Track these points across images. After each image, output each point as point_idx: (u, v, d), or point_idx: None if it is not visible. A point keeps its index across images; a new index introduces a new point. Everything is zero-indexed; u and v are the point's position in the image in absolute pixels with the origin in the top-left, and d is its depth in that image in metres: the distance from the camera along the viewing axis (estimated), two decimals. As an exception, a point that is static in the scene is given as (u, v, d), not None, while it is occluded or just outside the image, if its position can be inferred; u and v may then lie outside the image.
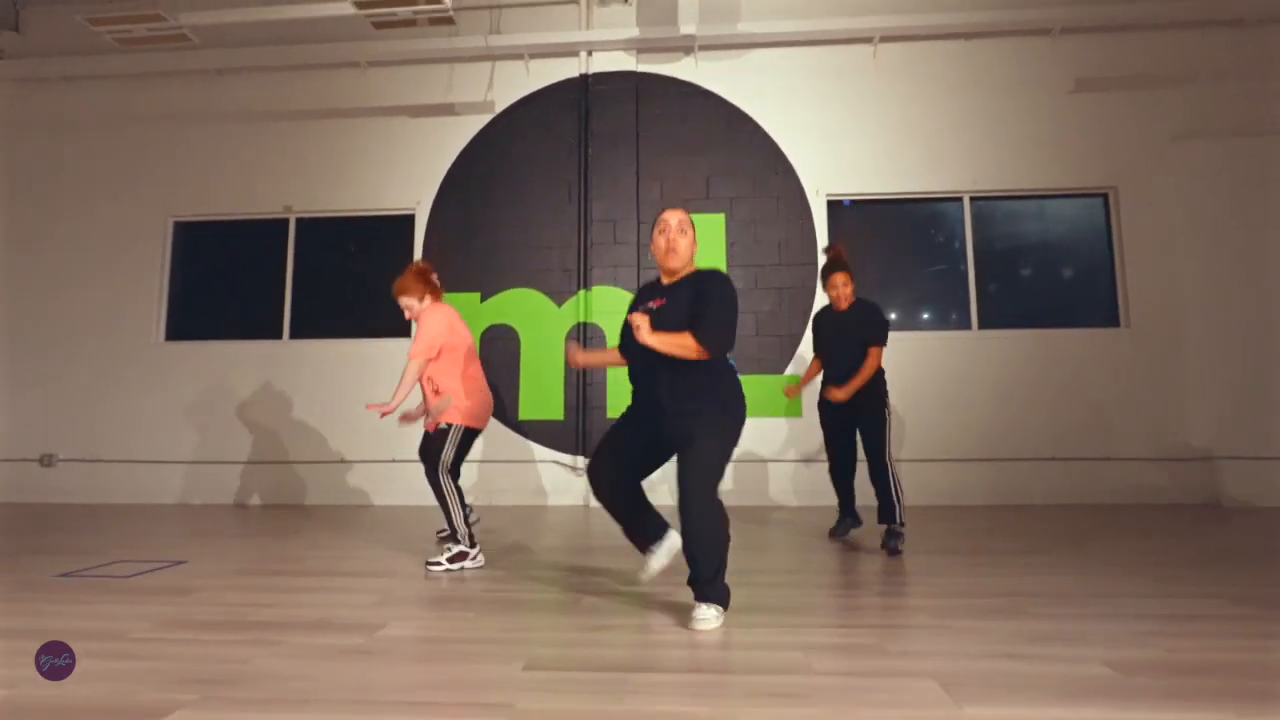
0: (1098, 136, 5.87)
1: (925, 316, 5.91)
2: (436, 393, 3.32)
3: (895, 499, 3.46)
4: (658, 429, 2.40)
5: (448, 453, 3.26)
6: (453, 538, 3.20)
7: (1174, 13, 5.76)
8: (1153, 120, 5.84)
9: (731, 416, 2.35)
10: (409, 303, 3.40)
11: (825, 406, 3.80)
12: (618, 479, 2.41)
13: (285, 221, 6.25)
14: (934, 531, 4.11)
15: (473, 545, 3.19)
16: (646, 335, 2.24)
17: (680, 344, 2.27)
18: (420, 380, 3.32)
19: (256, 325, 6.17)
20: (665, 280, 2.51)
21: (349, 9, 4.65)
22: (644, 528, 2.46)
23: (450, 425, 3.26)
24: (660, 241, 2.44)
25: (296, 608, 2.43)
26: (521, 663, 1.83)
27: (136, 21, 4.67)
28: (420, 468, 5.49)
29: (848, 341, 3.67)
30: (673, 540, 2.42)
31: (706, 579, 2.22)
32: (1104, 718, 1.46)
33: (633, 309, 2.53)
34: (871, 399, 3.61)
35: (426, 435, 3.35)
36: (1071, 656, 1.83)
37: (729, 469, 5.60)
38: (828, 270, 3.75)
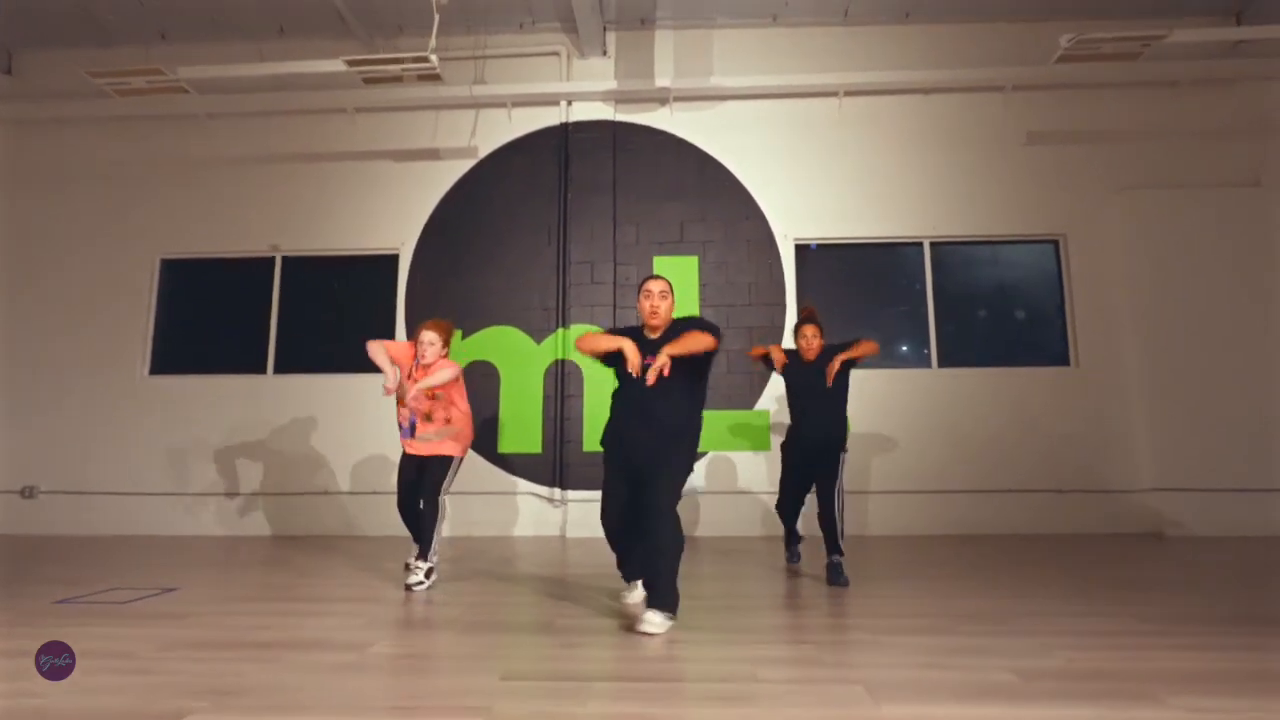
0: (1049, 187, 6.27)
1: (888, 356, 6.23)
2: (447, 421, 3.69)
3: (841, 531, 3.69)
4: (634, 461, 2.84)
5: (449, 482, 3.70)
6: (425, 556, 3.52)
7: (1115, 75, 6.22)
8: (1100, 172, 6.25)
9: (695, 444, 2.94)
10: (434, 340, 3.67)
11: (794, 448, 3.97)
12: (618, 524, 2.91)
13: (272, 260, 6.47)
14: (885, 559, 4.37)
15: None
16: (670, 350, 2.67)
17: (696, 341, 2.73)
18: (428, 397, 3.62)
19: (242, 360, 6.34)
20: (650, 335, 2.98)
21: (340, 66, 4.94)
22: (634, 562, 3.02)
23: (454, 457, 3.71)
24: (645, 305, 2.97)
25: (290, 629, 2.61)
26: (498, 674, 2.03)
27: (136, 75, 4.92)
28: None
29: (818, 386, 3.84)
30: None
31: (666, 586, 2.59)
32: (1001, 714, 1.70)
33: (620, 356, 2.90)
34: (836, 445, 3.80)
35: (420, 464, 3.67)
36: (983, 665, 2.09)
37: (702, 501, 5.83)
38: (801, 324, 4.00)
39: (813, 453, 3.84)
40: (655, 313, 2.94)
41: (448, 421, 3.68)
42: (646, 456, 2.79)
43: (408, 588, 3.40)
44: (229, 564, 4.32)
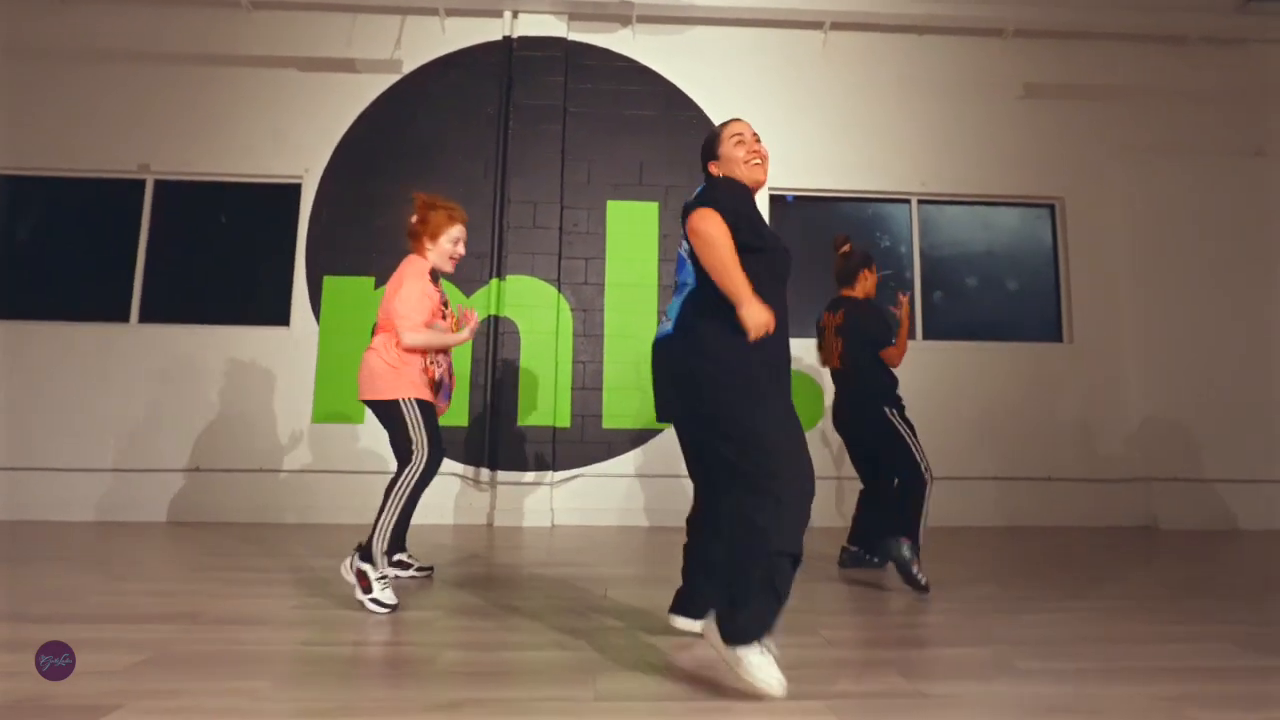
0: (1046, 145, 5.66)
1: (869, 324, 5.52)
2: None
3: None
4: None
5: None
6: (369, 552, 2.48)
7: (1122, 24, 5.64)
8: (1100, 131, 5.69)
9: None
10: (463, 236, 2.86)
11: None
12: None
13: (141, 183, 5.27)
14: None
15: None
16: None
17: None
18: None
19: (98, 306, 5.14)
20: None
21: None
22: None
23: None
24: (740, 152, 2.04)
25: (11, 677, 1.65)
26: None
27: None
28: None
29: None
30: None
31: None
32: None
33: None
34: None
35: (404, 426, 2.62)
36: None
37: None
38: (866, 263, 3.38)
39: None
40: (758, 159, 2.05)
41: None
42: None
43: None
44: (37, 559, 3.26)
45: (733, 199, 1.87)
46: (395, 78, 5.39)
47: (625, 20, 5.46)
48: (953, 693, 1.70)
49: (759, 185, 2.05)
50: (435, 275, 2.76)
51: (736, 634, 1.62)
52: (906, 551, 2.75)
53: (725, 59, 5.55)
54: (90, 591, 2.61)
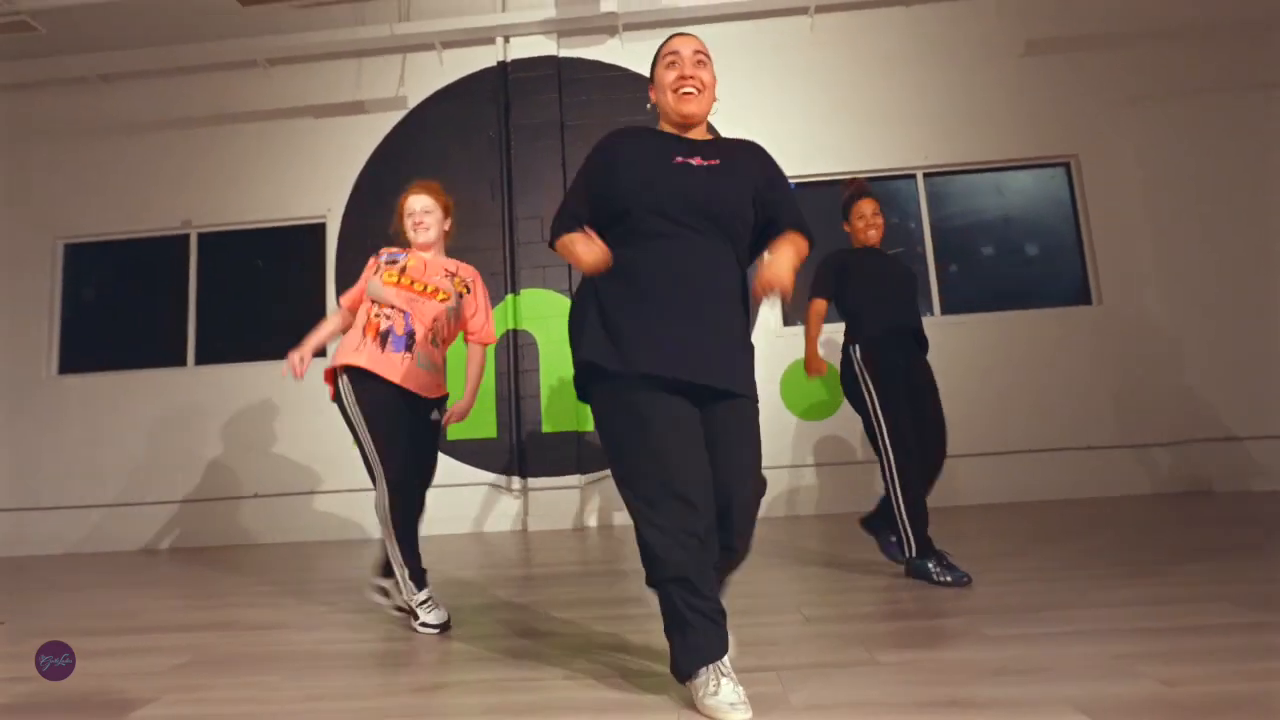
0: (1054, 103, 5.52)
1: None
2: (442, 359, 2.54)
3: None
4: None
5: None
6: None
7: (1123, -32, 5.46)
8: (1110, 83, 5.51)
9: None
10: (430, 208, 2.58)
11: (898, 356, 2.78)
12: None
13: (186, 237, 5.75)
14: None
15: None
16: (784, 270, 1.52)
17: (799, 251, 1.64)
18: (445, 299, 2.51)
19: (158, 352, 5.63)
20: (683, 134, 1.74)
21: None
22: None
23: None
24: (669, 76, 1.70)
25: (78, 677, 1.94)
26: None
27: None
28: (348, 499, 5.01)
29: (897, 278, 2.89)
30: None
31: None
32: None
33: (627, 152, 1.68)
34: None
35: (414, 409, 2.41)
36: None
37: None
38: (856, 199, 2.96)
39: (915, 355, 2.82)
40: (688, 87, 1.67)
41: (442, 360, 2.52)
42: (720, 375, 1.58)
43: (434, 626, 2.28)
44: (103, 584, 3.65)
45: (576, 177, 1.76)
46: (402, 113, 5.70)
47: (612, 30, 5.62)
48: (907, 660, 1.77)
49: (688, 120, 1.71)
50: (395, 258, 2.52)
51: (675, 670, 1.51)
52: (906, 556, 2.62)
53: (713, 55, 5.60)
54: (151, 610, 2.94)
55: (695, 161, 1.67)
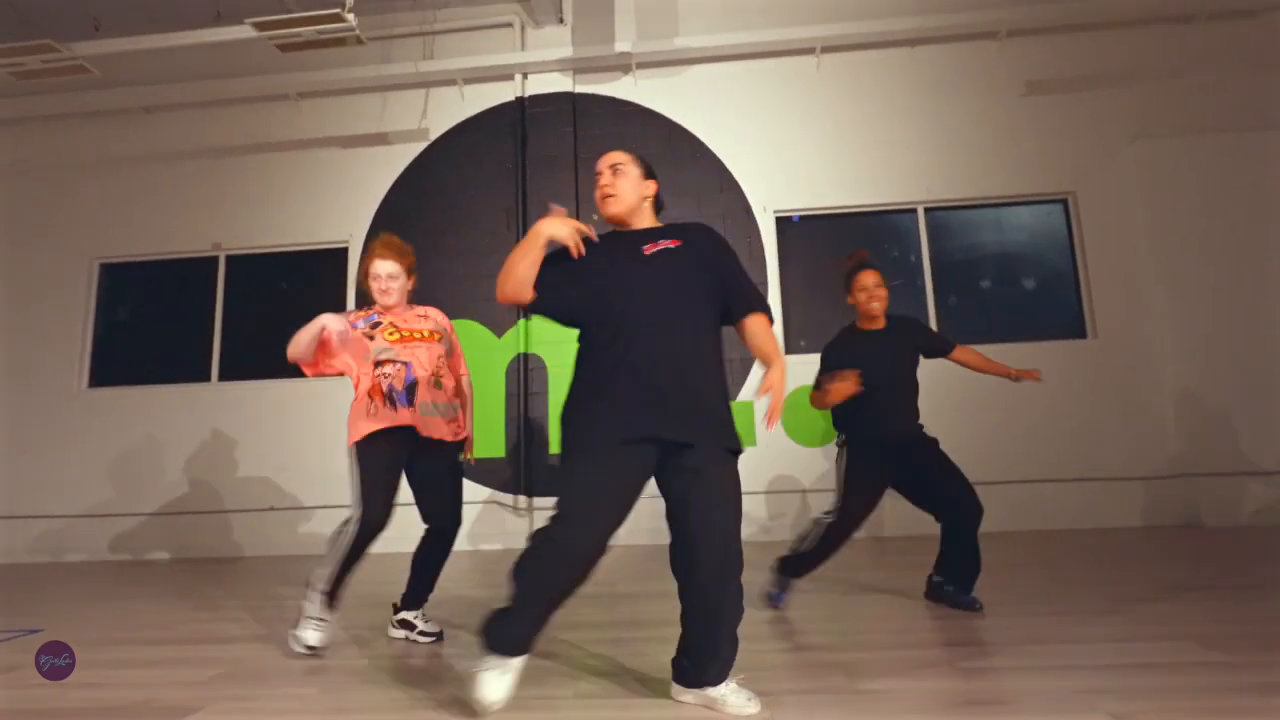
0: (1053, 140, 5.69)
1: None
2: (455, 395, 2.76)
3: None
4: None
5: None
6: (421, 601, 2.73)
7: (1122, 10, 5.61)
8: (1108, 121, 5.66)
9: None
10: (395, 273, 2.71)
11: (878, 453, 2.88)
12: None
13: (215, 259, 6.01)
14: (883, 565, 3.82)
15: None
16: (778, 381, 1.81)
17: (773, 341, 1.96)
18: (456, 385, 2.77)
19: (184, 368, 5.88)
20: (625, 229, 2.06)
21: (250, 32, 4.46)
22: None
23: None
24: (596, 196, 2.07)
25: (117, 687, 2.14)
26: None
27: (26, 54, 4.47)
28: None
29: (893, 366, 2.90)
30: None
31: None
32: None
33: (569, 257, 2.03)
34: (923, 438, 2.98)
35: (422, 451, 2.61)
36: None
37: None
38: (858, 271, 2.92)
39: (906, 452, 2.89)
40: (608, 195, 2.01)
41: (455, 395, 2.73)
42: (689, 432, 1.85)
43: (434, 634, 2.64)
44: (134, 594, 3.86)
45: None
46: (423, 144, 5.95)
47: (625, 68, 5.86)
48: (885, 689, 1.94)
49: (611, 221, 2.05)
50: (373, 319, 2.70)
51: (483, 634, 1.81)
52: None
53: (722, 93, 5.86)
54: (184, 621, 3.14)
55: (646, 250, 1.97)
